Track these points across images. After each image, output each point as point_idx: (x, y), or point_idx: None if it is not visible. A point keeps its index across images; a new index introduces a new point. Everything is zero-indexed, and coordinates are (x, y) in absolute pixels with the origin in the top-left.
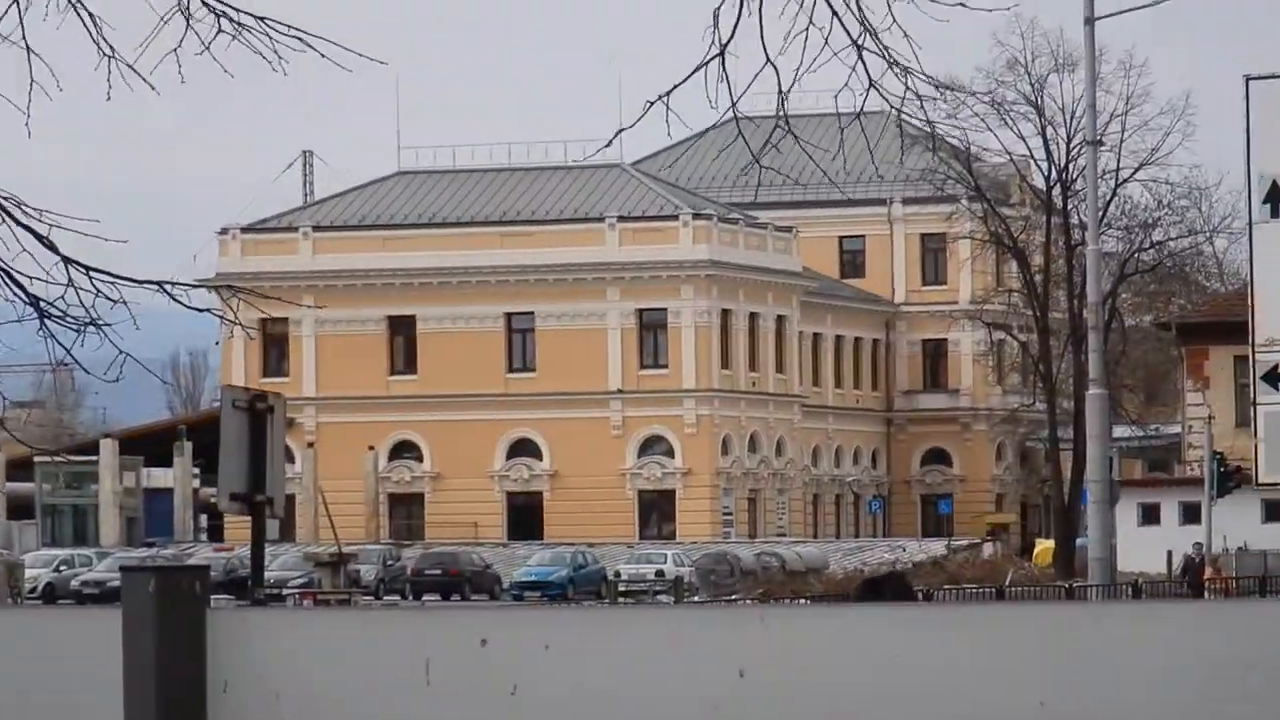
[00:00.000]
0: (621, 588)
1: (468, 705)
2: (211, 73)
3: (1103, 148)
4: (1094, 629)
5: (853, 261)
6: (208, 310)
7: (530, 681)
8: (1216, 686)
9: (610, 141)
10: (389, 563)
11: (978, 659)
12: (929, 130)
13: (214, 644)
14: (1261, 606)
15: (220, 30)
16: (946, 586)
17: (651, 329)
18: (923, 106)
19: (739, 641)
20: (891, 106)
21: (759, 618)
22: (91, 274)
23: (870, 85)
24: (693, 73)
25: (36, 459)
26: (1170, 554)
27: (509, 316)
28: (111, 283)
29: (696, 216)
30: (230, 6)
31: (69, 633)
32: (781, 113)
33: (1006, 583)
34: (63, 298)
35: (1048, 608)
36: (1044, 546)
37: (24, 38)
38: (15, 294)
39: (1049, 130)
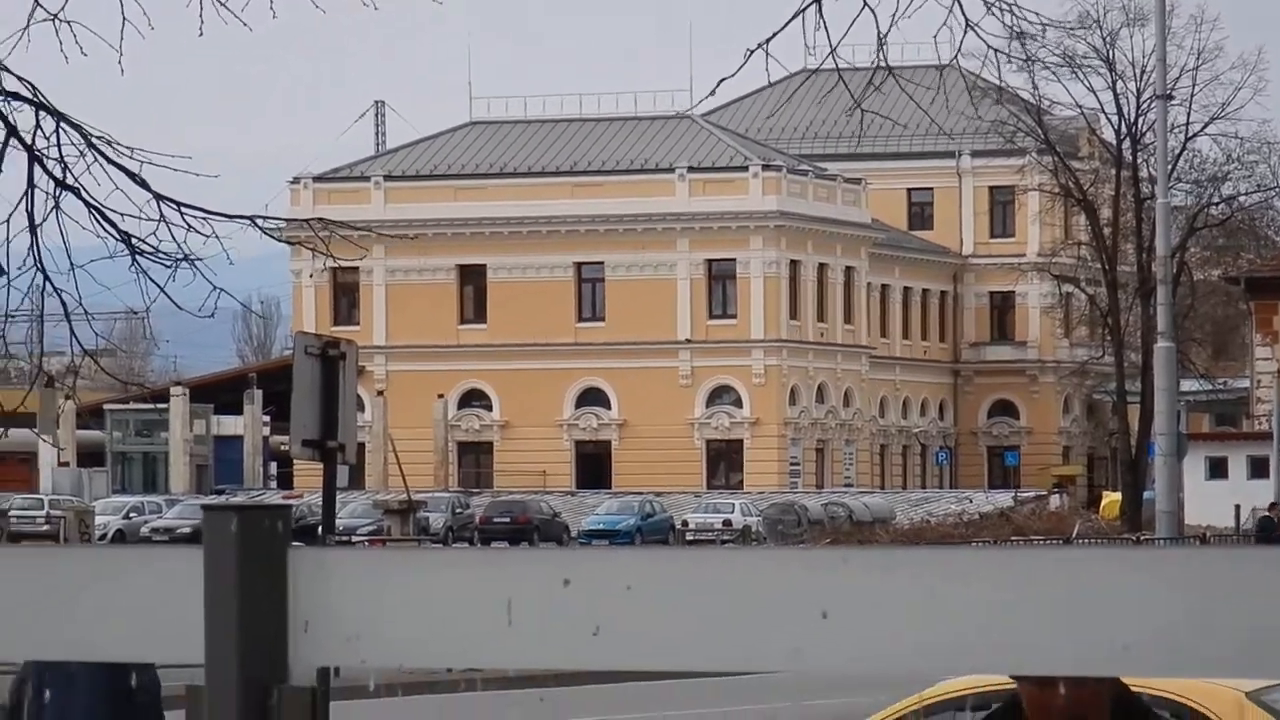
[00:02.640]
0: (689, 537)
1: (549, 646)
2: (292, 17)
3: (1173, 102)
4: (1229, 570)
5: (921, 214)
6: (297, 243)
7: (612, 622)
8: None
9: (713, 91)
10: (458, 510)
11: (1057, 601)
12: (1027, 63)
13: (295, 584)
14: None
15: None
16: (1013, 538)
17: (720, 279)
18: (1024, 45)
19: (822, 583)
20: (990, 47)
21: (842, 559)
22: (183, 209)
23: (968, 25)
24: (791, 19)
25: (108, 406)
26: (1238, 508)
27: (579, 266)
28: (203, 218)
29: (766, 168)
30: None
31: (149, 573)
32: (882, 58)
33: (1073, 535)
34: (154, 234)
35: (1142, 551)
36: (1111, 499)
37: None
38: (108, 231)
39: (1119, 84)
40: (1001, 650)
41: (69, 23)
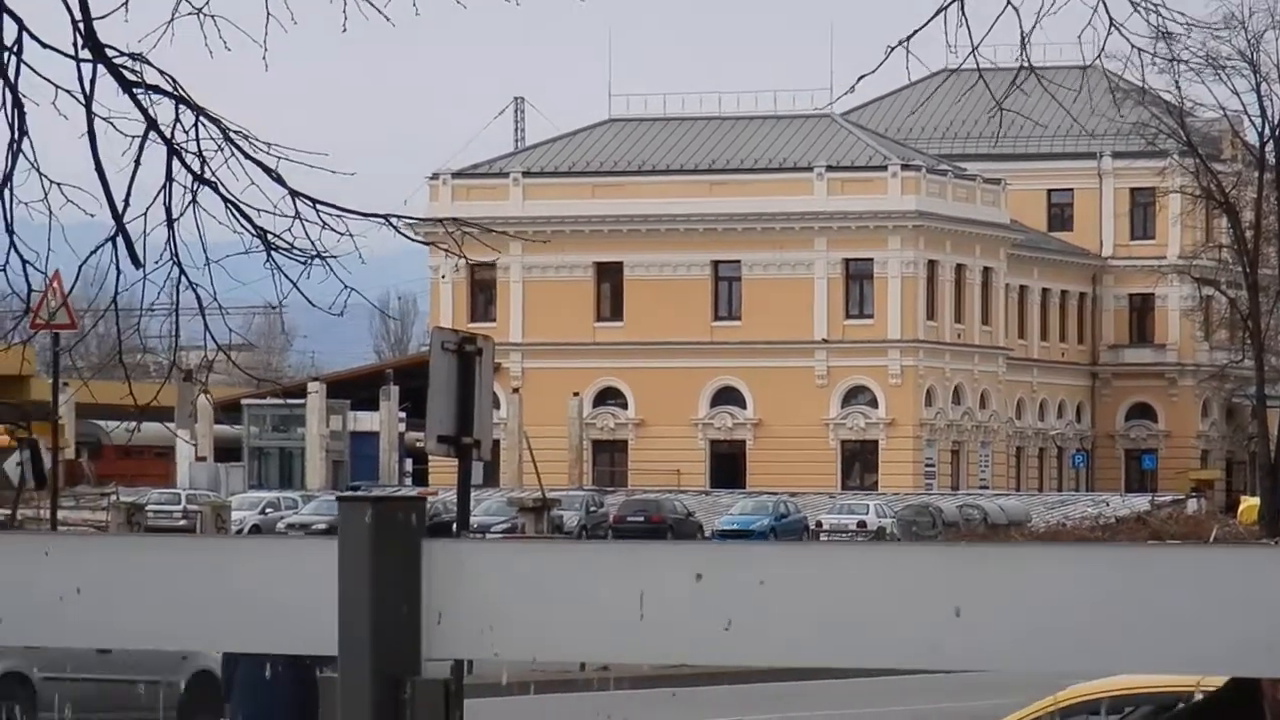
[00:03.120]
0: (823, 538)
1: (681, 639)
2: (434, 11)
3: None
4: None
5: (1060, 215)
6: (432, 244)
7: (744, 617)
8: None
9: (852, 88)
10: (592, 509)
11: (1198, 600)
12: (1170, 64)
13: (429, 575)
14: None
15: None
16: (1150, 542)
17: (857, 279)
18: (1169, 45)
19: (956, 579)
20: (1134, 47)
21: (978, 555)
22: (318, 207)
23: (1112, 24)
24: (933, 17)
25: (245, 401)
26: None
27: (715, 265)
28: (338, 216)
29: (905, 167)
30: None
31: (284, 562)
32: (1024, 58)
33: (1211, 539)
34: (289, 230)
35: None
36: (1249, 504)
37: None
38: (244, 226)
39: (1263, 86)
40: (1141, 645)
41: (213, 17)
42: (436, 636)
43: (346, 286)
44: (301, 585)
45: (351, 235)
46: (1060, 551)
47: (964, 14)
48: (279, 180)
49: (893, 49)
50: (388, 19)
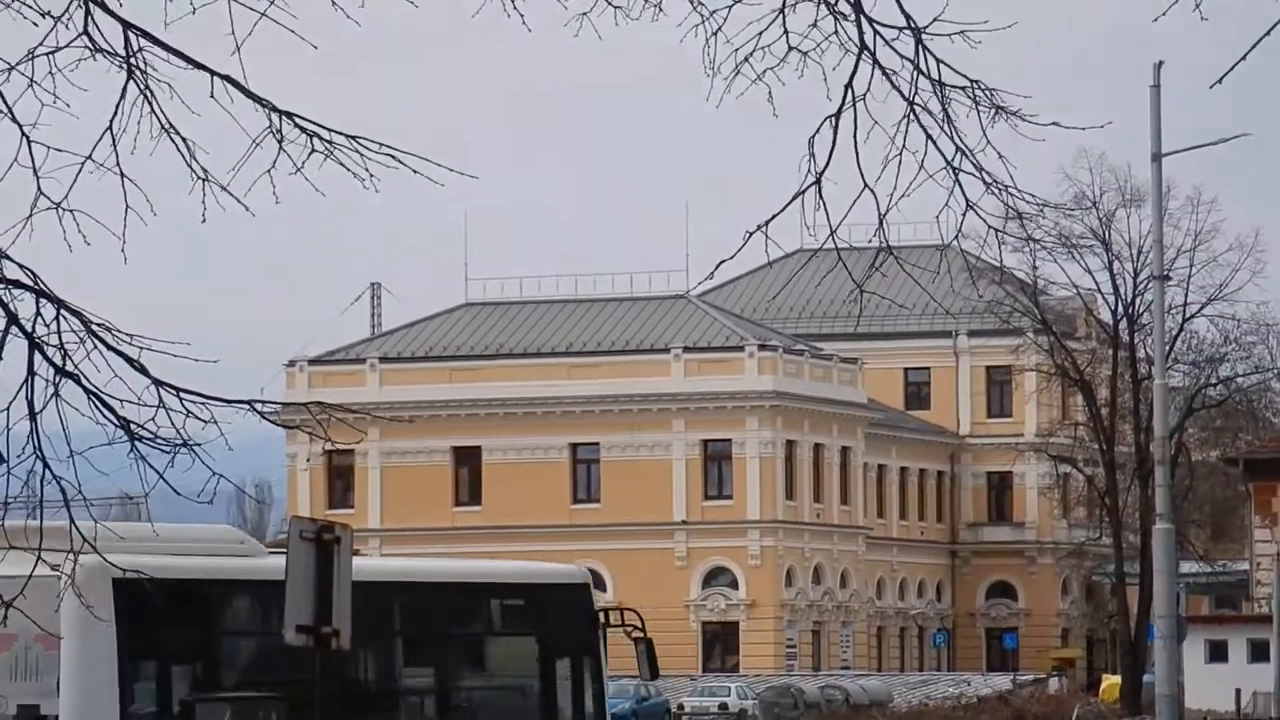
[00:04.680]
0: None
1: None
2: (293, 200)
3: (1170, 283)
4: None
5: (918, 393)
6: (295, 428)
7: None
8: None
9: (711, 273)
10: None
11: None
12: (1025, 243)
13: None
14: None
15: (313, 150)
16: None
17: (716, 459)
18: (1023, 225)
19: None
20: (990, 227)
21: None
22: (181, 395)
23: (969, 206)
24: (791, 200)
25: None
26: (1238, 692)
27: (574, 447)
28: (202, 403)
29: (762, 348)
30: (321, 126)
31: None
32: (882, 239)
33: (1074, 719)
34: (153, 420)
35: None
36: (1110, 682)
37: (118, 164)
38: (107, 418)
39: (1115, 264)
40: None
41: (72, 211)
42: None
43: (215, 473)
44: None
45: (216, 422)
46: None
47: (821, 197)
48: (142, 370)
49: (751, 234)
50: (247, 208)
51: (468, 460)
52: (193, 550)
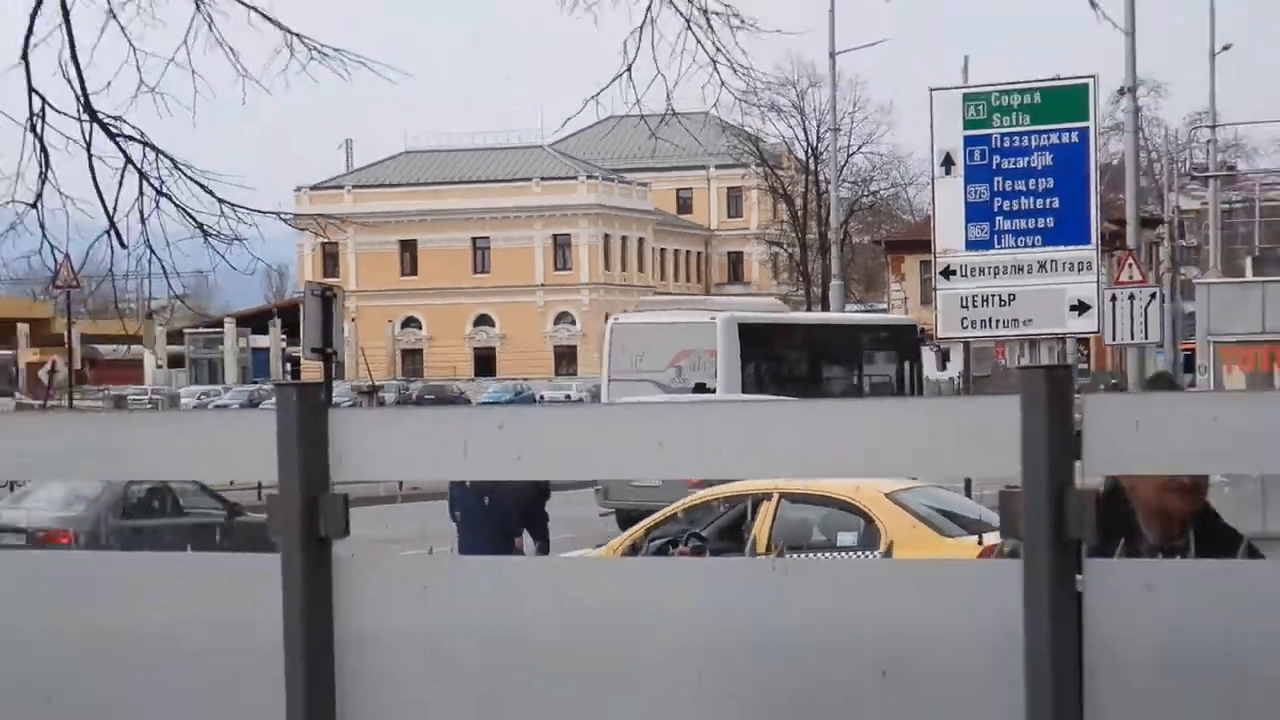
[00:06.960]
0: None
1: (492, 469)
2: (300, 88)
3: (840, 132)
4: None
5: (685, 204)
6: (307, 229)
7: (530, 449)
8: None
9: (567, 121)
10: (402, 392)
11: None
12: (754, 109)
13: (333, 435)
14: None
15: (311, 59)
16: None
17: (561, 246)
18: (754, 95)
19: (659, 419)
20: (735, 98)
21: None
22: (236, 208)
23: (722, 85)
24: (611, 81)
25: (186, 330)
26: None
27: (474, 239)
28: (247, 213)
29: (589, 177)
30: (316, 42)
31: (230, 433)
32: (668, 107)
33: None
34: (217, 223)
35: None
36: None
37: (189, 60)
38: (189, 220)
39: (806, 123)
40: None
41: (161, 94)
42: (337, 469)
43: (255, 257)
44: (248, 440)
45: (257, 225)
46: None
47: (632, 80)
48: (209, 192)
49: (587, 101)
50: (269, 92)
51: (409, 248)
52: (759, 308)
